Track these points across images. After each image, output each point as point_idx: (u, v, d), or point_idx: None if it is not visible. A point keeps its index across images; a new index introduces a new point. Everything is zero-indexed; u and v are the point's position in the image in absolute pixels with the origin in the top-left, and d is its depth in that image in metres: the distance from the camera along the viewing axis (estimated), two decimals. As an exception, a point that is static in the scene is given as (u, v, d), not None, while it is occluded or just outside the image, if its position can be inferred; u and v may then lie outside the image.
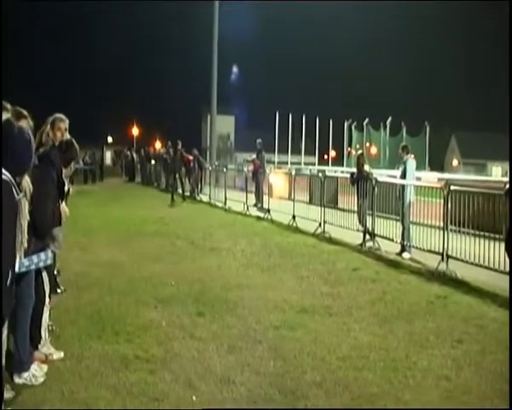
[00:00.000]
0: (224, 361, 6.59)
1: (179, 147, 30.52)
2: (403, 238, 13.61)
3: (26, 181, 4.79)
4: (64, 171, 6.69)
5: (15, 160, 4.32)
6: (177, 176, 30.33)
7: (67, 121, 7.64)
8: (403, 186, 13.81)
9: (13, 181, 4.24)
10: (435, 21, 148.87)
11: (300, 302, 9.18)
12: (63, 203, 6.28)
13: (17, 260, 4.71)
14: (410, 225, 13.48)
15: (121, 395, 5.60)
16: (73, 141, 7.12)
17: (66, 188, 6.75)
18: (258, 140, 26.07)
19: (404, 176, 14.05)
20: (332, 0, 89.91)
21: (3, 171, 4.12)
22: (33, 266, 5.63)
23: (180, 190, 29.93)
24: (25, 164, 4.48)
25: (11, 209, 4.24)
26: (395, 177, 15.17)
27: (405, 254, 13.34)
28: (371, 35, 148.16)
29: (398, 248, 13.67)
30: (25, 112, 6.20)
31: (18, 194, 4.36)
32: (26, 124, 5.90)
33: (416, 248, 12.98)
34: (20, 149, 4.38)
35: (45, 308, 6.52)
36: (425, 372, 6.40)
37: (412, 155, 14.69)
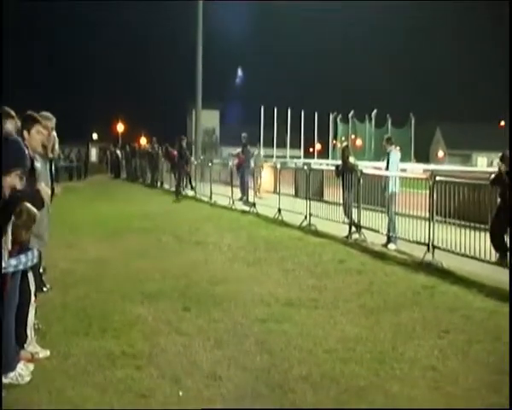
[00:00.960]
0: (211, 356, 6.57)
1: (184, 143, 30.30)
2: (388, 230, 13.64)
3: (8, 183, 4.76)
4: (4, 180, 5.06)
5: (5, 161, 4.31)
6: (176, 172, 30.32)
7: (54, 120, 7.56)
8: (387, 177, 13.84)
9: None
10: (420, 14, 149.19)
11: (287, 295, 9.17)
12: (42, 184, 6.05)
13: (3, 259, 4.67)
14: (396, 217, 13.51)
15: (108, 393, 5.56)
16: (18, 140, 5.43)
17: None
18: (244, 134, 26.07)
19: (388, 168, 14.09)
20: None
21: None
22: (21, 266, 5.59)
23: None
24: (15, 166, 4.46)
25: None
26: (380, 168, 15.22)
27: (391, 246, 13.37)
28: (356, 29, 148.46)
29: (383, 239, 13.69)
30: (12, 112, 6.16)
31: None
32: (12, 124, 5.86)
33: (402, 239, 13.00)
34: (9, 152, 4.36)
35: (31, 307, 6.48)
36: (412, 363, 6.41)
37: (397, 147, 14.73)
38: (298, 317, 8.10)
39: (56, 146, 7.53)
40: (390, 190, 13.56)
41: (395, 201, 13.65)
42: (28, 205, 5.24)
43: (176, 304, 8.59)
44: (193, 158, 34.89)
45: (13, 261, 5.26)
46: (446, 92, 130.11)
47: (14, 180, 4.94)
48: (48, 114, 7.50)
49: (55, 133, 7.87)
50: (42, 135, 6.37)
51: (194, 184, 29.13)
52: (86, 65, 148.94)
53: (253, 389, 5.77)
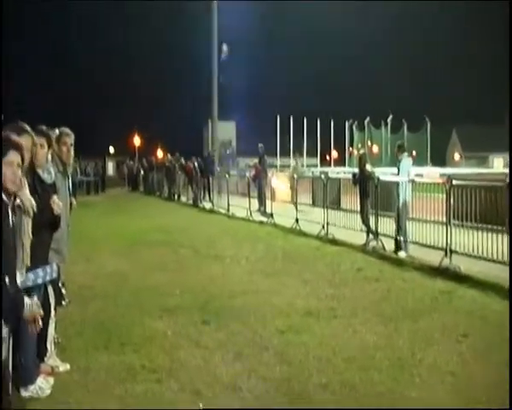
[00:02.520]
0: (231, 369, 6.60)
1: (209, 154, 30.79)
2: (398, 236, 13.61)
3: (29, 199, 4.81)
4: None
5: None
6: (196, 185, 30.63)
7: (73, 136, 7.58)
8: (398, 186, 13.82)
9: (6, 201, 4.25)
10: (434, 17, 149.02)
11: (305, 306, 9.19)
12: (54, 197, 6.05)
13: (22, 275, 4.73)
14: (411, 222, 13.48)
15: (129, 407, 5.61)
16: None
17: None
18: (260, 145, 26.10)
19: (399, 175, 14.07)
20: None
21: None
22: (40, 280, 5.64)
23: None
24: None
25: (9, 228, 4.25)
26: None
27: (401, 253, 13.35)
28: (369, 34, 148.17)
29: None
30: (26, 127, 6.23)
31: (15, 213, 4.37)
32: (28, 140, 5.93)
33: (420, 244, 12.97)
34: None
35: (51, 321, 6.54)
36: (431, 369, 6.42)
37: (407, 154, 14.71)
38: (317, 327, 8.12)
39: (71, 161, 7.55)
40: (401, 199, 13.53)
41: (407, 209, 13.61)
42: None
43: (195, 317, 8.63)
44: (218, 168, 35.09)
45: (31, 275, 5.32)
46: (461, 94, 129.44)
47: None
48: (67, 130, 7.52)
49: (72, 151, 7.90)
50: (45, 149, 6.40)
51: (212, 196, 29.24)
52: (102, 78, 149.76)
53: (274, 399, 5.79)
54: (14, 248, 4.43)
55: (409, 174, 14.11)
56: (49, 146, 6.41)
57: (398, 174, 14.15)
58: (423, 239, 12.85)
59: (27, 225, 4.80)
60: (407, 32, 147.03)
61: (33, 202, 4.90)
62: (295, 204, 19.93)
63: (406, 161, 14.36)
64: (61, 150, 7.24)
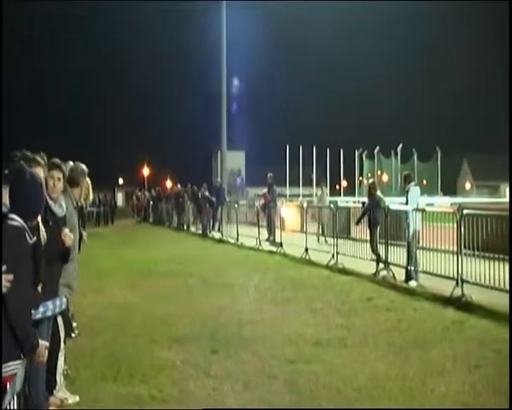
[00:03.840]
0: (240, 398, 6.60)
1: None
2: (408, 266, 13.58)
3: (42, 230, 4.86)
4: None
5: (27, 205, 4.40)
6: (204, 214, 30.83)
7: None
8: (407, 215, 13.82)
9: (25, 226, 4.31)
10: (445, 43, 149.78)
11: (315, 335, 9.18)
12: (66, 230, 6.08)
13: None
14: (422, 252, 13.45)
15: (137, 437, 5.62)
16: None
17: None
18: (269, 174, 26.17)
19: (408, 205, 14.06)
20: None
21: (15, 217, 4.19)
22: (49, 313, 5.67)
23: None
24: (36, 208, 4.55)
25: (25, 253, 4.30)
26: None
27: (412, 283, 13.31)
28: (381, 64, 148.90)
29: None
30: (40, 160, 6.28)
31: (31, 238, 4.42)
32: (41, 172, 6.00)
33: (431, 273, 12.92)
34: (31, 194, 4.46)
35: (60, 354, 6.56)
36: (442, 399, 6.40)
37: (414, 183, 14.70)
38: (326, 356, 8.10)
39: (91, 196, 7.57)
40: (411, 228, 13.51)
41: (416, 238, 13.60)
42: None
43: (204, 347, 8.63)
44: (227, 198, 35.25)
45: (40, 308, 5.35)
46: (472, 124, 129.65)
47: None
48: (83, 168, 7.43)
49: (89, 181, 7.90)
50: (61, 182, 6.44)
51: (221, 226, 29.27)
52: (112, 108, 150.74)
53: (283, 429, 5.78)
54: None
55: (417, 204, 14.11)
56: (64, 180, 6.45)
57: (407, 204, 14.13)
58: (434, 269, 12.80)
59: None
60: (418, 61, 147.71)
61: (44, 234, 4.94)
62: (323, 235, 19.81)
63: (414, 190, 14.37)
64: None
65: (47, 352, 4.58)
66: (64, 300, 6.00)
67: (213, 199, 31.47)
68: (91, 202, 8.07)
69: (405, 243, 13.96)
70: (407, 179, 14.67)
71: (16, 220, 4.21)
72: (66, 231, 5.69)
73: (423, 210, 13.95)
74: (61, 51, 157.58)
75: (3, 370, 3.99)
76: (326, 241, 19.41)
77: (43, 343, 4.43)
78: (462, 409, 5.76)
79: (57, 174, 6.05)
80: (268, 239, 23.93)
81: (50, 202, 5.94)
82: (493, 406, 6.17)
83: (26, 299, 4.21)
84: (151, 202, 47.05)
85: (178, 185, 42.32)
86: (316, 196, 26.52)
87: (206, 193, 32.10)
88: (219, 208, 30.55)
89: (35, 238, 4.54)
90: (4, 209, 4.10)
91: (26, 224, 4.37)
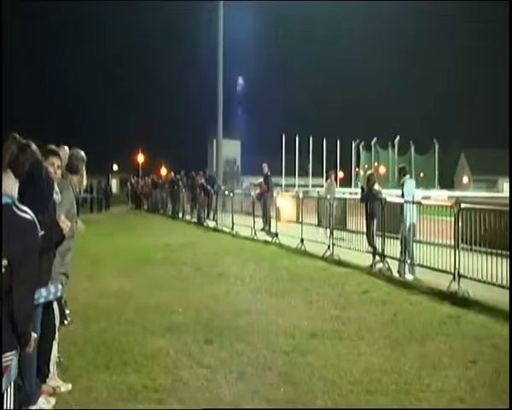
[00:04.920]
0: (234, 389, 6.58)
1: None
2: (404, 260, 13.58)
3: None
4: None
5: (41, 199, 4.39)
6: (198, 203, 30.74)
7: (85, 158, 7.36)
8: (402, 207, 13.80)
9: (35, 219, 4.27)
10: (444, 37, 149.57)
11: (310, 327, 9.17)
12: (62, 216, 5.99)
13: None
14: (419, 245, 13.45)
15: (130, 427, 5.60)
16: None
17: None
18: (264, 164, 26.08)
19: (403, 198, 14.04)
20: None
21: (27, 209, 4.14)
22: (42, 300, 5.63)
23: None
24: (47, 204, 4.55)
25: (35, 249, 4.26)
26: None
27: (409, 276, 13.33)
28: (377, 52, 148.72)
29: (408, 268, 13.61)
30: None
31: (40, 232, 4.39)
32: (57, 161, 5.98)
33: (427, 267, 12.91)
34: (46, 189, 4.45)
35: (54, 342, 6.53)
36: (439, 394, 6.39)
37: (409, 176, 14.67)
38: (322, 348, 8.10)
39: (84, 182, 7.52)
40: (408, 222, 13.51)
41: (413, 231, 13.60)
42: None
43: (198, 336, 8.61)
44: (222, 186, 35.20)
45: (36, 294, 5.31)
46: (470, 117, 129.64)
47: None
48: (82, 155, 7.37)
49: (84, 168, 7.84)
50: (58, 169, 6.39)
51: (216, 215, 29.23)
52: (106, 95, 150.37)
53: (277, 421, 5.77)
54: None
55: (413, 196, 14.09)
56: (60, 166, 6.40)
57: (402, 197, 14.10)
58: (431, 262, 12.79)
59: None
60: (417, 53, 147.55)
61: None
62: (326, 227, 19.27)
63: (409, 183, 14.36)
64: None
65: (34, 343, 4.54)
66: (59, 286, 5.97)
67: (209, 187, 31.42)
68: (84, 188, 8.01)
69: (400, 237, 13.94)
70: (402, 172, 14.69)
71: (28, 213, 4.16)
72: (63, 218, 5.65)
73: (419, 203, 13.95)
74: (52, 34, 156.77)
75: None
76: (331, 234, 18.61)
77: (34, 336, 4.40)
78: (458, 409, 5.73)
79: (57, 161, 6.02)
80: (263, 229, 23.92)
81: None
82: (490, 401, 6.17)
83: (31, 296, 4.18)
84: (147, 189, 46.97)
85: (172, 173, 42.28)
86: (326, 185, 25.56)
87: (202, 180, 32.05)
88: (214, 197, 30.52)
89: (43, 232, 4.51)
90: (7, 199, 4.04)
91: (37, 217, 4.33)
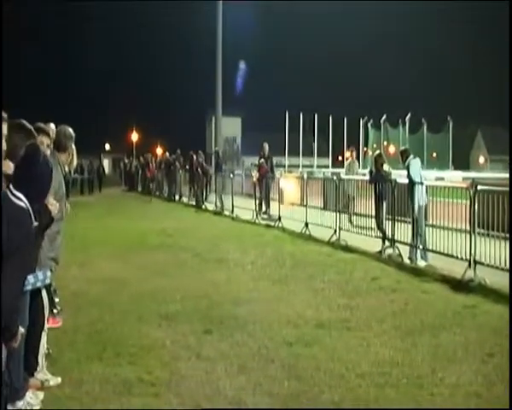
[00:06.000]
0: (235, 382, 6.57)
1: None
2: (416, 245, 13.56)
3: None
4: None
5: (37, 187, 4.35)
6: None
7: (74, 136, 7.36)
8: (411, 190, 13.72)
9: (29, 208, 4.24)
10: (459, 12, 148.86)
11: (316, 316, 9.16)
12: (51, 198, 5.92)
13: None
14: (433, 229, 13.40)
15: (124, 422, 5.59)
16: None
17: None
18: (265, 143, 25.99)
19: (410, 181, 13.98)
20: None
21: (21, 196, 4.12)
22: (29, 287, 5.59)
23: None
24: (44, 192, 4.51)
25: (27, 238, 4.23)
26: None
27: (421, 262, 13.30)
28: (387, 26, 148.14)
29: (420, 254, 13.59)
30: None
31: (33, 222, 4.36)
32: (47, 139, 5.94)
33: (441, 253, 12.87)
34: (42, 177, 4.41)
35: (43, 333, 6.50)
36: (453, 389, 6.36)
37: (413, 156, 14.54)
38: (328, 339, 8.09)
39: (74, 162, 7.49)
40: (417, 204, 13.46)
41: (423, 214, 13.57)
42: None
43: (196, 326, 8.61)
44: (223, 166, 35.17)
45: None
46: (488, 92, 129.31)
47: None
48: (71, 132, 7.34)
49: (73, 146, 7.82)
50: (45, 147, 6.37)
51: (215, 197, 29.19)
52: (98, 70, 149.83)
53: (281, 417, 5.77)
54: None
55: (421, 176, 14.01)
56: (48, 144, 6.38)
57: (410, 181, 13.96)
58: (444, 248, 12.74)
59: None
60: (430, 25, 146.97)
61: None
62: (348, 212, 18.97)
63: (414, 163, 14.21)
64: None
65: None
66: (48, 273, 5.94)
67: (208, 168, 31.39)
68: (75, 168, 8.00)
69: (411, 220, 13.90)
70: (404, 155, 14.58)
71: (22, 201, 4.14)
72: (52, 200, 5.61)
73: (426, 185, 13.86)
74: (47, 20, 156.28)
75: None
76: (351, 221, 18.26)
77: (21, 330, 4.39)
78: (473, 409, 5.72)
79: (46, 140, 6.00)
80: (265, 212, 23.91)
81: None
82: (507, 397, 6.15)
83: (18, 288, 4.16)
84: (140, 170, 46.93)
85: (167, 153, 42.24)
86: (347, 163, 24.81)
87: (200, 159, 31.98)
88: (213, 178, 30.49)
89: (37, 223, 4.48)
90: None
91: (32, 207, 4.30)
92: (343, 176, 20.47)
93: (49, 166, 4.53)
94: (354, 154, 25.72)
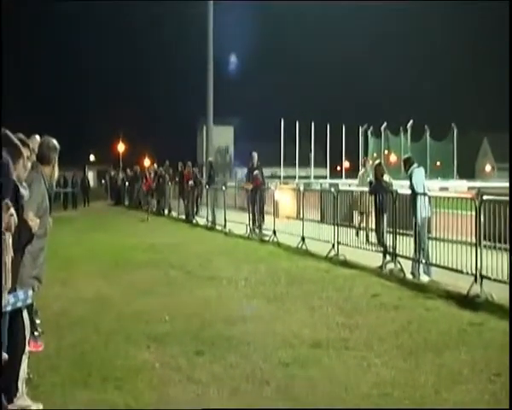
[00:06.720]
0: (227, 406, 6.59)
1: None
2: (419, 259, 13.56)
3: (12, 214, 4.81)
4: None
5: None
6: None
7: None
8: (413, 201, 13.75)
9: None
10: (462, 15, 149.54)
11: (313, 336, 9.17)
12: (30, 213, 5.92)
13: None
14: (436, 242, 13.41)
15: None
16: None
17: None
18: (254, 153, 25.74)
19: (413, 191, 13.99)
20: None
21: None
22: (9, 307, 5.58)
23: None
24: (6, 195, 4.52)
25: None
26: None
27: (424, 278, 13.32)
28: (388, 29, 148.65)
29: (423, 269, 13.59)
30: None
31: None
32: (26, 151, 5.95)
33: (445, 268, 12.88)
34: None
35: (24, 356, 6.48)
36: (458, 410, 6.38)
37: (417, 164, 14.56)
38: (326, 360, 8.10)
39: (56, 174, 7.50)
40: (420, 216, 13.48)
41: (426, 226, 13.59)
42: None
43: (187, 348, 8.61)
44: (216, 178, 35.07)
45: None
46: (494, 98, 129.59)
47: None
48: (55, 144, 7.35)
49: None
50: (26, 160, 6.37)
51: (207, 211, 29.16)
52: (82, 77, 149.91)
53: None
54: None
55: (424, 187, 14.02)
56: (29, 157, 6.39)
57: (412, 191, 13.98)
58: (449, 262, 12.73)
59: (9, 242, 4.81)
60: (432, 27, 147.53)
61: (16, 220, 4.91)
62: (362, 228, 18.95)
63: (418, 172, 14.21)
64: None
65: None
66: (30, 292, 5.94)
67: (201, 179, 31.39)
68: (57, 181, 8.01)
69: (413, 233, 13.92)
70: (407, 163, 14.53)
71: None
72: (31, 215, 5.64)
73: (429, 196, 13.87)
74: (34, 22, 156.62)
75: None
76: (367, 238, 18.04)
77: (5, 356, 4.39)
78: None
79: (26, 152, 6.00)
80: (260, 226, 23.84)
81: (19, 185, 5.87)
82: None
83: None
84: (126, 183, 46.86)
85: (155, 165, 42.24)
86: (360, 173, 24.39)
87: (195, 169, 31.99)
88: (204, 191, 30.45)
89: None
90: None
91: None
92: (341, 187, 20.48)
93: (10, 168, 4.54)
94: (368, 164, 25.24)
